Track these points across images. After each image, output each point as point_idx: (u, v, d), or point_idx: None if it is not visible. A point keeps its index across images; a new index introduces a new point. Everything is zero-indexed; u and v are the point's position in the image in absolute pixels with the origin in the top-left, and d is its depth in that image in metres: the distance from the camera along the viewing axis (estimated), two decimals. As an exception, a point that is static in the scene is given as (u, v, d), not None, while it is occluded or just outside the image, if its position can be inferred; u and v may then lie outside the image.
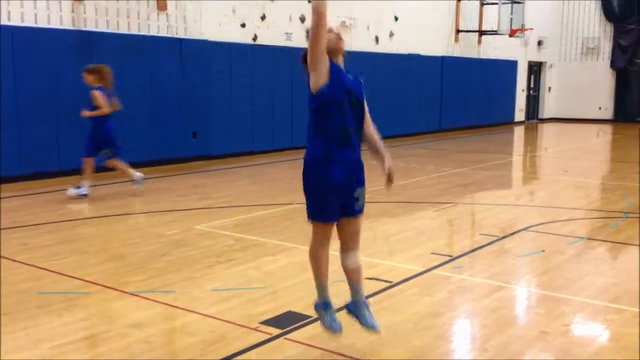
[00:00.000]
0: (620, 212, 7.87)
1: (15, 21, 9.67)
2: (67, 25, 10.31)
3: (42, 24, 10.00)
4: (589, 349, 3.89)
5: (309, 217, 3.71)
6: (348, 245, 3.77)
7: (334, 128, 3.55)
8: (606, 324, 4.30)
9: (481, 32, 20.60)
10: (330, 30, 3.57)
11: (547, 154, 15.84)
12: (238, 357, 3.70)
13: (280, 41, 13.81)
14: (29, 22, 9.81)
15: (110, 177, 10.37)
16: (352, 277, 3.78)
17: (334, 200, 3.61)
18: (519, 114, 23.57)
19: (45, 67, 9.84)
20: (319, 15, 3.38)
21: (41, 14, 9.99)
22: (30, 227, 6.95)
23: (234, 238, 6.52)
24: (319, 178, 3.57)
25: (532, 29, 21.55)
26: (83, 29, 10.49)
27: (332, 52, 3.58)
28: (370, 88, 17.51)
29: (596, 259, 5.96)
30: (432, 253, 5.95)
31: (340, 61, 3.66)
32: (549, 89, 25.34)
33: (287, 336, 4.00)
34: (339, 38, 3.63)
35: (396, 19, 17.16)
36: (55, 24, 10.15)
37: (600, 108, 24.59)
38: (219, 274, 5.39)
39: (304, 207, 3.71)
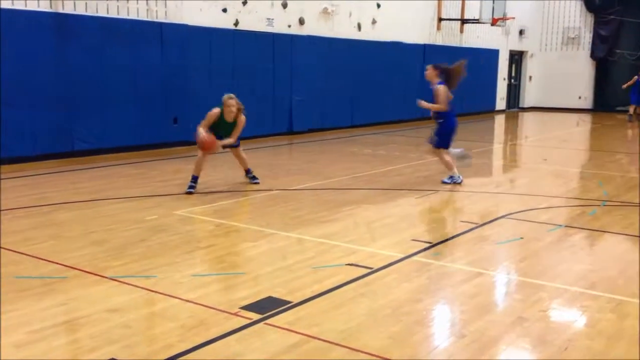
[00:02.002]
0: (598, 200, 7.96)
1: (-8, 2, 9.49)
2: (44, 7, 10.13)
3: (19, 5, 9.82)
4: (565, 335, 3.95)
5: None
6: None
7: None
8: (582, 310, 4.36)
9: (463, 21, 20.63)
10: None
11: (527, 142, 15.95)
12: (218, 342, 3.70)
13: (261, 27, 13.71)
14: (5, 4, 9.61)
15: (90, 161, 10.27)
16: None
17: None
18: (500, 103, 23.69)
19: (22, 50, 9.67)
20: None
21: (18, -5, 9.80)
22: (3, 211, 6.85)
23: (214, 224, 6.50)
24: None
25: (513, 18, 21.62)
26: (61, 11, 10.32)
27: None
28: (352, 76, 17.30)
29: (573, 246, 6.04)
30: (413, 240, 5.98)
31: None
32: (530, 78, 25.49)
33: (267, 321, 4.00)
34: None
35: (378, 6, 17.11)
36: (32, 6, 9.97)
37: (580, 97, 24.81)
38: (199, 259, 5.38)
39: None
